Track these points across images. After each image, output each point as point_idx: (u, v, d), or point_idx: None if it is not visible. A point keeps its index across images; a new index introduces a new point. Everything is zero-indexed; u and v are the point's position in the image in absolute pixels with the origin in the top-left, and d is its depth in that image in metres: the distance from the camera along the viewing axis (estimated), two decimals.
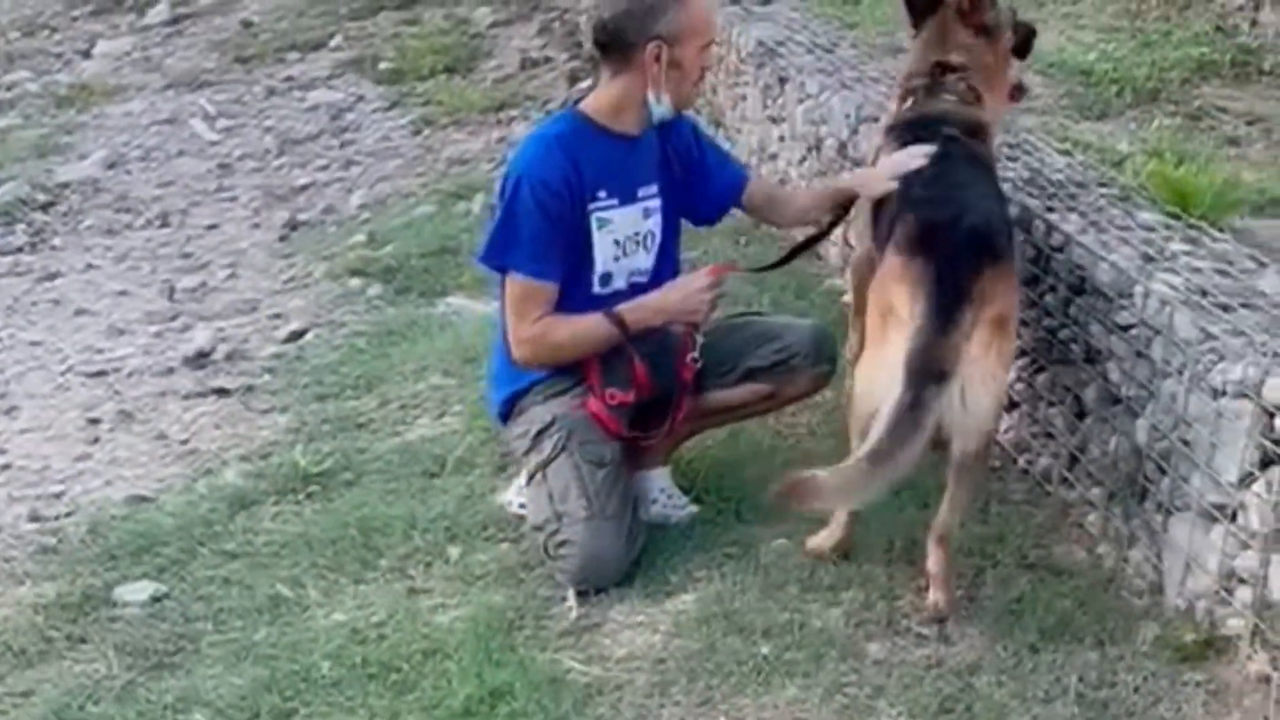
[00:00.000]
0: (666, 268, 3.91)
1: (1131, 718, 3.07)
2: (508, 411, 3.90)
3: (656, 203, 3.84)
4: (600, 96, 3.77)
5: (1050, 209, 4.02)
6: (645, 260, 3.85)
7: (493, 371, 4.01)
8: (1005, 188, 4.15)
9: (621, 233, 3.77)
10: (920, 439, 3.16)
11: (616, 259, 3.79)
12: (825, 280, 5.41)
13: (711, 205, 4.05)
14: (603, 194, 3.72)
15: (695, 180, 3.94)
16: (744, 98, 6.41)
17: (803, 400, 4.09)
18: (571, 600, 3.59)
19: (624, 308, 3.74)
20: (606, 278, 3.79)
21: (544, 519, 3.72)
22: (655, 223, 3.85)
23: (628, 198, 3.77)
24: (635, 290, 3.82)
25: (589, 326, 3.73)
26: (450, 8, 10.95)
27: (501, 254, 3.73)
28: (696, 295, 3.77)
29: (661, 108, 3.70)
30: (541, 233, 3.67)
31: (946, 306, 3.22)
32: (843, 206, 4.04)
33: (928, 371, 3.18)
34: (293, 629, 3.58)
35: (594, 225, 3.73)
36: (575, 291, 3.76)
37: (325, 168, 8.33)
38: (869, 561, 3.61)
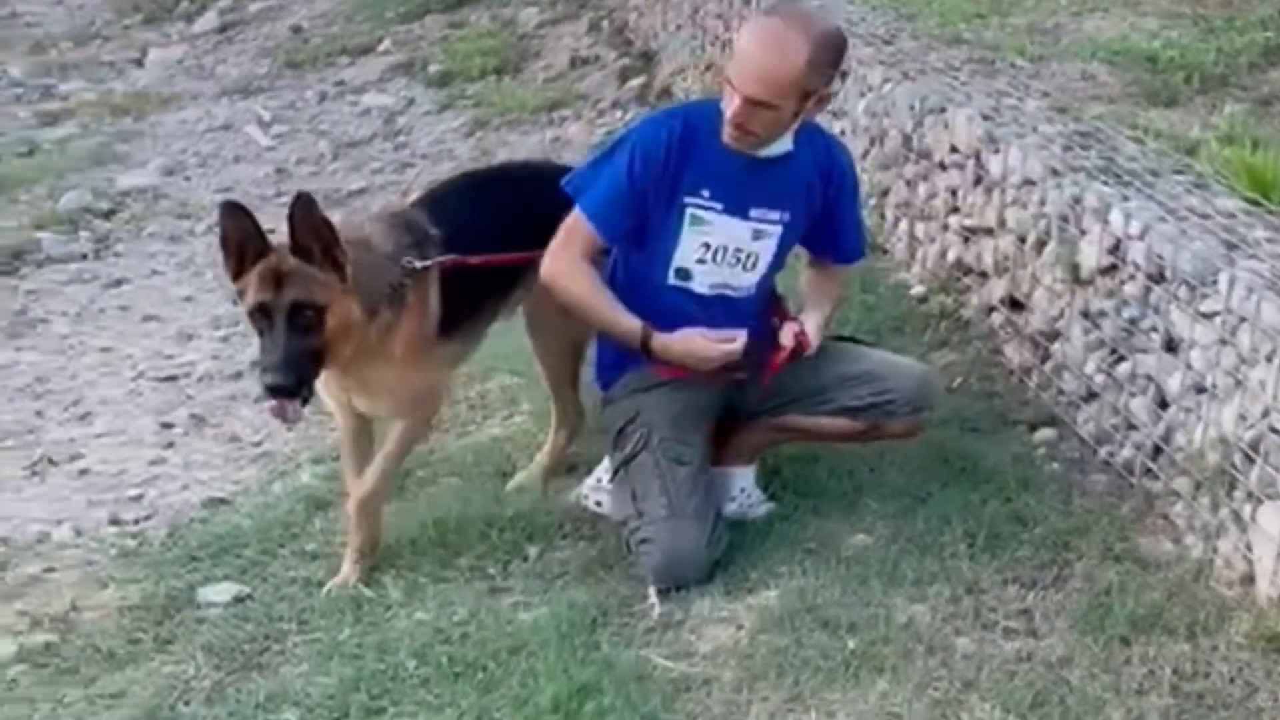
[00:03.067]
0: (763, 289, 3.84)
1: (1227, 709, 3.04)
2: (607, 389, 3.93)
3: (776, 230, 3.73)
4: None
5: (1126, 197, 3.99)
6: (742, 278, 3.76)
7: (595, 358, 4.04)
8: (1079, 176, 4.16)
9: (718, 240, 3.69)
10: None
11: (702, 261, 3.71)
12: (892, 275, 5.39)
13: (842, 253, 3.97)
14: (705, 193, 3.66)
15: (830, 220, 3.85)
16: None
17: (899, 439, 3.99)
18: (653, 597, 3.59)
19: (660, 337, 3.66)
20: (683, 273, 3.73)
21: (626, 515, 3.73)
22: (767, 248, 3.74)
23: (736, 210, 3.68)
24: (718, 298, 3.76)
25: (614, 317, 3.70)
26: (497, 9, 10.98)
27: (577, 187, 3.74)
28: (706, 359, 3.66)
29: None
30: (618, 191, 3.66)
31: None
32: None
33: None
34: (377, 628, 3.59)
35: (686, 219, 3.67)
36: (649, 273, 3.74)
37: (380, 171, 8.36)
38: (953, 557, 3.60)
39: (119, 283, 6.68)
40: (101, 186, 8.06)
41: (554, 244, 3.72)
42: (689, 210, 3.67)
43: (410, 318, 3.74)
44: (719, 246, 3.71)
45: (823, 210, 3.81)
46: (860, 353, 3.92)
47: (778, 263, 3.82)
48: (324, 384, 3.73)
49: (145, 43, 11.74)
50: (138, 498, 4.54)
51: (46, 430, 5.13)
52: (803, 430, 3.90)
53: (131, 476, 4.70)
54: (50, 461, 4.86)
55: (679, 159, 3.64)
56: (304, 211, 3.50)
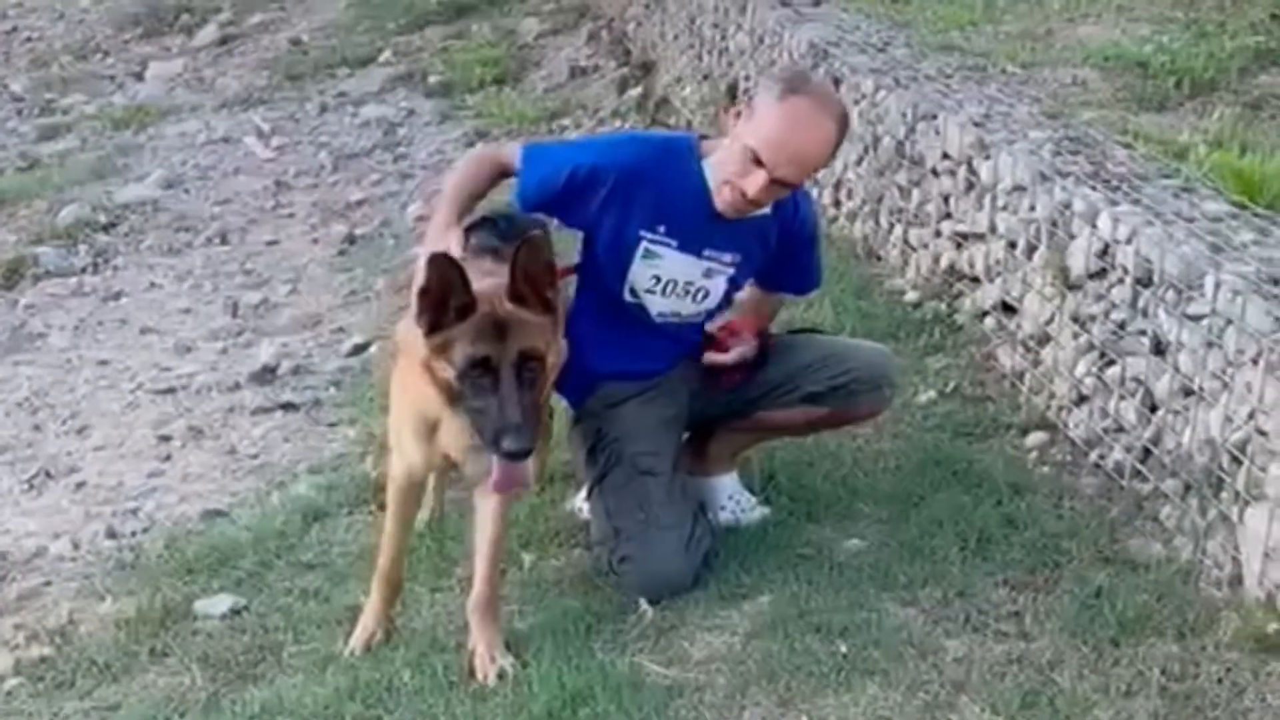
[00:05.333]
0: (713, 316, 3.84)
1: (1215, 709, 3.06)
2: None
3: (728, 271, 3.71)
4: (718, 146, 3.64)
5: (1114, 202, 4.01)
6: (691, 308, 3.75)
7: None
8: (1068, 181, 4.18)
9: (669, 274, 3.66)
10: None
11: (650, 292, 3.69)
12: (886, 281, 5.41)
13: (800, 289, 4.05)
14: (661, 229, 3.63)
15: (785, 258, 3.84)
16: None
17: (865, 421, 4.07)
18: (644, 604, 3.60)
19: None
20: (635, 294, 3.70)
21: (603, 535, 3.72)
22: (717, 285, 3.72)
23: (690, 249, 3.66)
24: (666, 325, 3.76)
25: (442, 207, 3.55)
26: (497, 20, 11.04)
27: (528, 154, 3.72)
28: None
29: None
30: (556, 171, 3.62)
31: None
32: None
33: None
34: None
35: (640, 250, 3.64)
36: (609, 285, 3.70)
37: (380, 182, 8.39)
38: (945, 560, 3.61)
39: (117, 296, 6.71)
40: (100, 200, 8.09)
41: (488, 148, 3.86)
42: (643, 243, 3.64)
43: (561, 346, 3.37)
44: (669, 280, 3.68)
45: (779, 253, 3.79)
46: (820, 341, 3.99)
47: (728, 297, 3.81)
48: (426, 431, 3.37)
49: (145, 56, 11.78)
50: (135, 510, 4.55)
51: (44, 444, 5.16)
52: (771, 425, 3.92)
53: (129, 489, 4.72)
54: (48, 475, 4.89)
55: (632, 194, 3.60)
56: (532, 254, 3.13)
